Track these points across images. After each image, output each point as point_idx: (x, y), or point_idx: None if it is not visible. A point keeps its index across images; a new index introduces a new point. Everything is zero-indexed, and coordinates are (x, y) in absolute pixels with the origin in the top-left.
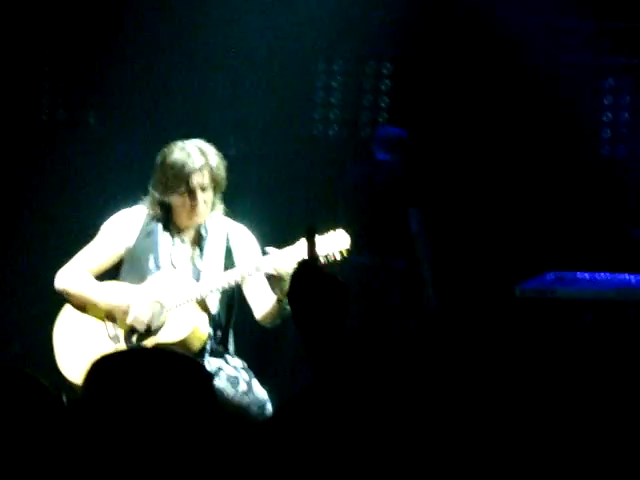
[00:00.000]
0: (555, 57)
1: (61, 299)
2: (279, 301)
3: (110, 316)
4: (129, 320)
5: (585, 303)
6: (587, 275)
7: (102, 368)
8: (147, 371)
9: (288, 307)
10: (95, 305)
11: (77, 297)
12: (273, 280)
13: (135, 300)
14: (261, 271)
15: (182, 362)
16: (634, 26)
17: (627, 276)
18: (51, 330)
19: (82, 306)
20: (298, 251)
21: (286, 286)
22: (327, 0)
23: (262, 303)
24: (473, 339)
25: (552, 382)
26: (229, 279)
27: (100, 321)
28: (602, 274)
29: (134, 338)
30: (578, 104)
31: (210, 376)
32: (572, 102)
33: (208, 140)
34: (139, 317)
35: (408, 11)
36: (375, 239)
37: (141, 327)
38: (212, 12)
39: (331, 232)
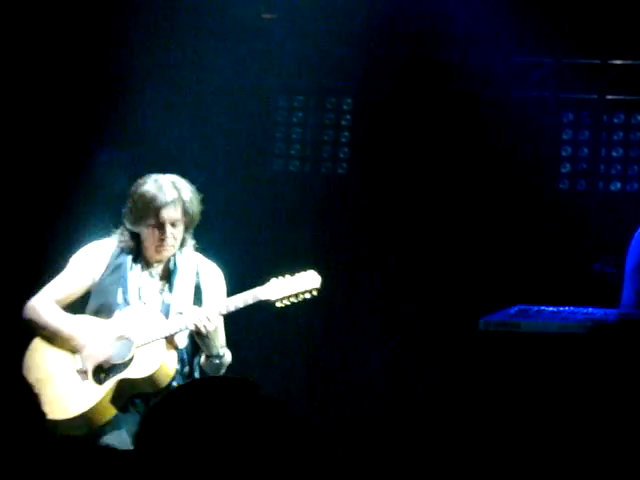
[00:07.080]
0: (515, 92)
1: (29, 333)
2: (207, 357)
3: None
4: (84, 354)
5: (548, 336)
6: (551, 309)
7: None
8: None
9: (217, 361)
10: (60, 337)
11: (42, 328)
12: (196, 335)
13: (95, 336)
14: (183, 326)
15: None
16: (593, 62)
17: (590, 309)
18: (18, 363)
19: (49, 338)
20: (216, 308)
21: (209, 343)
22: (288, 36)
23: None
24: (436, 371)
25: (514, 415)
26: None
27: (69, 355)
28: (566, 308)
29: (102, 374)
30: (537, 139)
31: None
32: (531, 137)
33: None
34: (94, 353)
35: (368, 47)
36: None
37: (94, 363)
38: (174, 49)
39: (302, 272)
